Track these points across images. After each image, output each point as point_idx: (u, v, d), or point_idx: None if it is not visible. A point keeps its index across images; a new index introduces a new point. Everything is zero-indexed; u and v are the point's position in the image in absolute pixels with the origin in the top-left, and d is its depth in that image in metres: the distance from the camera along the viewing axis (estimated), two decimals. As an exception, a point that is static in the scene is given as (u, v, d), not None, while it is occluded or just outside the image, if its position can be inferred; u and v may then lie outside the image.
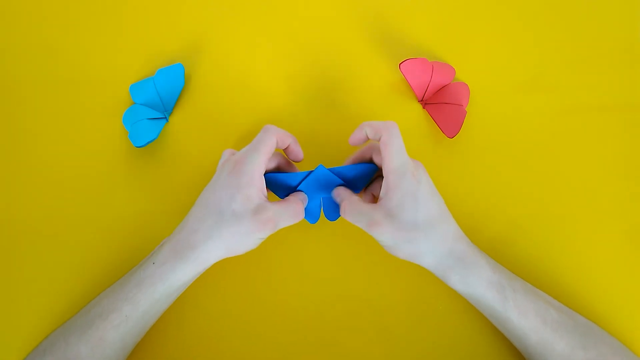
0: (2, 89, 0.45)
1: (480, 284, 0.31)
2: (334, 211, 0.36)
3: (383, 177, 0.32)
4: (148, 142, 0.41)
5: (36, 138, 0.43)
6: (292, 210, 0.32)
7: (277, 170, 0.36)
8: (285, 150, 0.36)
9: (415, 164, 0.32)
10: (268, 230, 0.31)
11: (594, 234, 0.38)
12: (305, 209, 0.35)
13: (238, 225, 0.30)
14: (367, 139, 0.34)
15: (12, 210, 0.40)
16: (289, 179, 0.34)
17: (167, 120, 0.43)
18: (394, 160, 0.31)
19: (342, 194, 0.34)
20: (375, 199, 0.36)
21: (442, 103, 0.42)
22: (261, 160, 0.31)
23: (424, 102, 0.44)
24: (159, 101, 0.43)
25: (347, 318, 0.36)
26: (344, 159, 0.38)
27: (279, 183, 0.35)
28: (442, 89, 0.43)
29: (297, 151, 0.35)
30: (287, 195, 0.35)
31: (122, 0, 0.49)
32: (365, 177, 0.36)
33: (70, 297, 0.37)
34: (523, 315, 0.31)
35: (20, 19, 0.49)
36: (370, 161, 0.35)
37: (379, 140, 0.32)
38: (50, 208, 0.40)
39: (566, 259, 0.38)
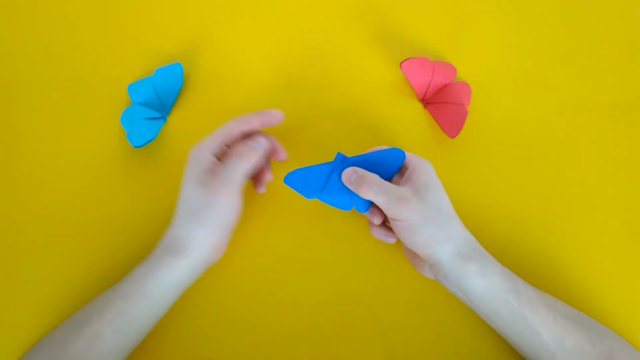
0: (-2, 88, 0.45)
1: (497, 275, 0.31)
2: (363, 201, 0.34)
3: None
4: (146, 142, 0.41)
5: (33, 137, 0.42)
6: (238, 152, 0.33)
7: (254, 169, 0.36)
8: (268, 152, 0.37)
9: None
10: (226, 184, 0.32)
11: (596, 232, 0.38)
12: (335, 200, 0.34)
13: (198, 192, 0.31)
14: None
15: (8, 209, 0.40)
16: (313, 173, 0.33)
17: (165, 120, 0.43)
18: (409, 154, 0.34)
19: (359, 171, 0.33)
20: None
21: (443, 102, 0.42)
22: (206, 141, 0.33)
23: (425, 101, 0.43)
24: (157, 101, 0.43)
25: (346, 318, 0.36)
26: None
27: (303, 180, 0.33)
28: (443, 88, 0.43)
29: (276, 149, 0.36)
30: (314, 195, 0.34)
31: (120, -2, 0.48)
32: (391, 166, 0.34)
33: (66, 297, 0.36)
34: (535, 310, 0.30)
35: (18, 18, 0.48)
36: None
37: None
38: (47, 208, 0.39)
39: (568, 258, 0.37)
